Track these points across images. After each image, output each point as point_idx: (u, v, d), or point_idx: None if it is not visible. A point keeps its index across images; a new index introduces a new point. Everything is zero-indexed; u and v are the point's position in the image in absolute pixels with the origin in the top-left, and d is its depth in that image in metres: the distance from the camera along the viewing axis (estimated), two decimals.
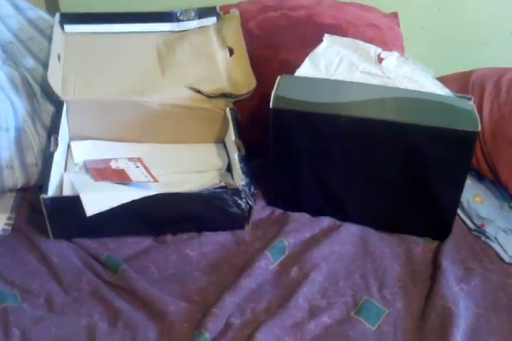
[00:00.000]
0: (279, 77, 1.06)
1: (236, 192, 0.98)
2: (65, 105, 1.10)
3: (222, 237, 1.00)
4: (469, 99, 1.05)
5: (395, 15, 1.41)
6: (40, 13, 1.26)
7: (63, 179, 1.02)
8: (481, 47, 1.48)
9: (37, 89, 1.12)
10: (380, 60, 1.13)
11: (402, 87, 1.07)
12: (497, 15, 1.43)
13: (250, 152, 1.07)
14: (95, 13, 1.28)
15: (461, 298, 0.90)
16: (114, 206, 0.92)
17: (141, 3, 1.36)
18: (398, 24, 1.40)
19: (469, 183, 1.12)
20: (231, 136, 1.11)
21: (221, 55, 1.24)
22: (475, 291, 0.92)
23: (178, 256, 0.96)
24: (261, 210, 1.06)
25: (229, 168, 1.13)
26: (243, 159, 1.05)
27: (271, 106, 1.00)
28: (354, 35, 1.24)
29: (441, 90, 1.09)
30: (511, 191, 1.07)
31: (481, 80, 1.23)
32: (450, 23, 1.46)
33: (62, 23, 1.24)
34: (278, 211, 1.07)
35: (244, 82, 1.18)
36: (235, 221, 1.02)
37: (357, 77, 1.10)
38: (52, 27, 1.21)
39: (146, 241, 0.99)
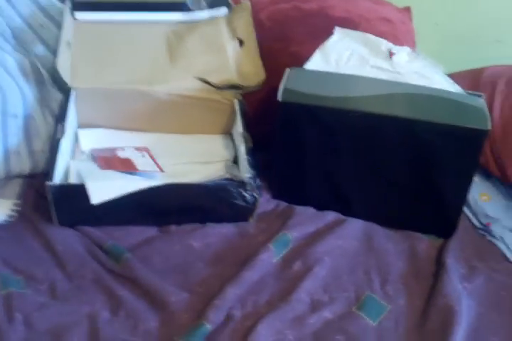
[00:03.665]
0: (288, 70, 1.05)
1: (241, 184, 0.98)
2: (73, 93, 1.10)
3: (226, 229, 1.00)
4: (480, 96, 1.04)
5: (407, 10, 1.39)
6: (52, 0, 1.26)
7: (70, 166, 1.03)
8: (495, 45, 1.46)
9: (46, 76, 1.12)
10: (391, 54, 1.12)
11: (412, 82, 1.06)
12: None
13: (257, 144, 1.07)
14: (106, 0, 1.27)
15: (463, 296, 0.89)
16: (120, 195, 0.92)
17: None
18: (411, 19, 1.38)
19: (477, 181, 1.11)
20: (238, 127, 1.10)
21: (231, 46, 1.24)
22: (478, 290, 0.92)
23: (182, 246, 0.96)
24: (266, 203, 1.06)
25: (235, 160, 1.13)
26: (250, 151, 1.04)
27: (279, 99, 0.99)
28: (366, 29, 1.23)
29: (452, 87, 1.08)
30: None
31: (493, 78, 1.21)
32: (464, 19, 1.44)
33: (72, 10, 1.24)
34: (283, 204, 1.07)
35: (254, 74, 1.18)
36: (240, 213, 1.01)
37: (367, 72, 1.09)
38: (62, 14, 1.20)
39: (151, 231, 0.99)
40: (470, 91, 1.07)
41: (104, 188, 0.93)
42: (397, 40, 1.24)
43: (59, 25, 1.19)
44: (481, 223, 1.05)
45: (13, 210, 0.99)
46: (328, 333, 0.84)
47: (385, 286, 0.92)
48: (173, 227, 1.00)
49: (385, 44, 1.14)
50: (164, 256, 0.94)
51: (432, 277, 0.94)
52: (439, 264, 0.96)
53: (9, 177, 1.04)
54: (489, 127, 0.93)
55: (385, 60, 1.11)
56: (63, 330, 0.81)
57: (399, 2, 1.38)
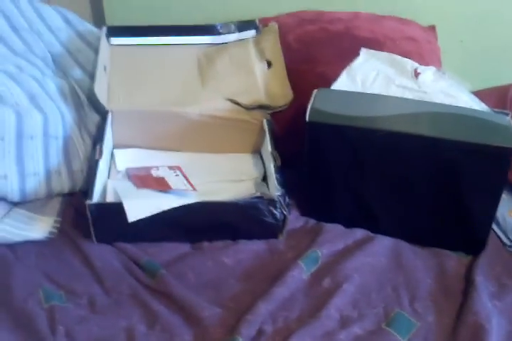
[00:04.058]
0: (315, 91, 1.08)
1: (271, 202, 1.01)
2: (109, 115, 1.15)
3: (257, 246, 1.03)
4: (507, 114, 1.05)
5: (432, 28, 1.41)
6: (88, 26, 1.33)
7: (107, 185, 1.07)
8: None
9: (84, 99, 1.18)
10: (416, 74, 1.14)
11: (438, 101, 1.08)
12: None
13: (285, 162, 1.09)
14: (140, 26, 1.33)
15: (494, 314, 0.89)
16: (155, 213, 0.96)
17: (184, 15, 1.41)
18: (436, 37, 1.40)
19: (505, 198, 1.11)
20: (267, 146, 1.14)
21: (259, 68, 1.28)
22: (509, 308, 0.92)
23: (214, 262, 0.99)
24: (295, 220, 1.09)
25: (264, 178, 1.16)
26: (279, 170, 1.07)
27: (307, 119, 1.02)
28: (391, 49, 1.25)
29: (478, 105, 1.09)
30: None
31: None
32: (489, 35, 1.45)
33: (108, 35, 1.30)
34: (312, 221, 1.09)
35: (282, 95, 1.21)
36: (270, 230, 1.04)
37: (393, 91, 1.11)
38: (99, 39, 1.26)
39: (184, 248, 1.03)
40: (496, 109, 1.08)
41: (140, 206, 0.97)
42: (422, 59, 1.26)
43: (96, 50, 1.26)
44: (510, 240, 1.06)
45: (54, 227, 1.04)
46: None
47: (413, 303, 0.93)
48: (205, 244, 1.03)
49: (410, 64, 1.16)
50: (197, 272, 0.97)
51: (461, 294, 0.94)
52: (468, 282, 0.96)
53: (50, 195, 1.09)
54: None
55: (411, 80, 1.13)
56: None
57: (424, 21, 1.41)
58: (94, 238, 1.01)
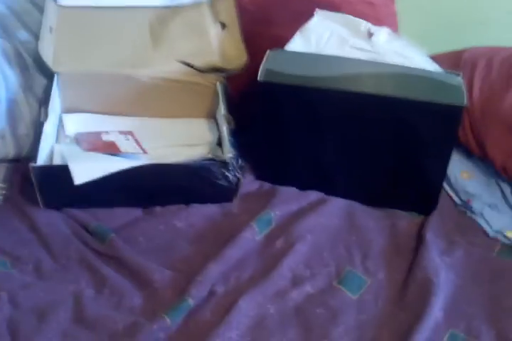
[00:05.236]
0: (268, 51, 1.06)
1: (224, 164, 0.99)
2: (56, 77, 1.10)
3: (210, 209, 1.01)
4: (458, 74, 1.05)
5: None
6: None
7: (54, 150, 1.04)
8: (477, 27, 1.47)
9: (30, 61, 1.13)
10: (370, 34, 1.13)
11: (391, 62, 1.07)
12: None
13: (242, 127, 1.08)
14: None
15: (442, 269, 0.91)
16: (103, 175, 0.93)
17: None
18: (393, 1, 1.39)
19: (457, 159, 1.12)
20: (221, 110, 1.11)
21: (213, 30, 1.24)
22: (457, 263, 0.94)
23: (166, 226, 0.97)
24: (249, 184, 1.07)
25: (220, 143, 1.14)
26: (232, 132, 1.05)
27: (259, 79, 1.00)
28: (348, 12, 1.23)
29: (431, 66, 1.09)
30: (498, 167, 1.08)
31: (473, 58, 1.22)
32: (447, 1, 1.45)
33: None
34: (266, 185, 1.09)
35: (236, 57, 1.18)
36: (223, 193, 1.03)
37: (346, 52, 1.10)
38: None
39: (135, 212, 1.01)
40: (449, 70, 1.08)
41: (87, 169, 0.94)
42: (379, 23, 1.24)
43: (42, 11, 1.20)
44: (461, 200, 1.07)
45: None
46: (309, 307, 0.86)
47: (365, 261, 0.94)
48: (157, 208, 1.01)
49: (364, 24, 1.14)
50: (148, 236, 0.96)
51: (412, 252, 0.96)
52: (419, 240, 0.97)
53: None
54: (465, 103, 0.95)
55: (365, 40, 1.12)
56: (48, 308, 0.82)
57: None
58: (41, 203, 0.97)
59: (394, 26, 1.33)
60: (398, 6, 1.38)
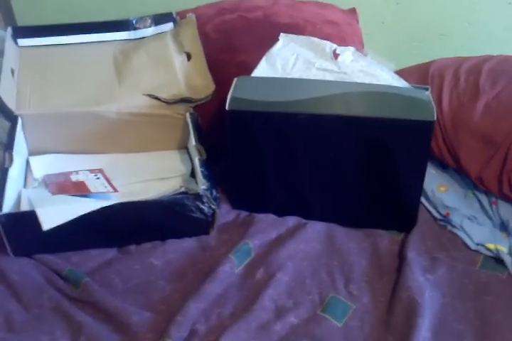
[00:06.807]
0: (235, 79, 1.05)
1: (197, 196, 0.97)
2: (19, 120, 1.08)
3: (187, 244, 0.99)
4: (426, 89, 1.05)
5: (353, 11, 1.40)
6: None
7: (21, 195, 1.01)
8: (441, 39, 1.48)
9: None
10: (335, 55, 1.12)
11: (358, 81, 1.07)
12: (455, 6, 1.43)
13: (214, 156, 1.06)
14: (49, 25, 1.27)
15: (426, 288, 0.89)
16: (71, 219, 0.90)
17: (97, 12, 1.36)
18: (357, 20, 1.40)
19: (433, 173, 1.11)
20: (192, 140, 1.10)
21: (179, 61, 1.24)
22: (441, 281, 0.92)
23: (142, 265, 0.94)
24: (226, 214, 1.05)
25: (193, 174, 1.12)
26: (204, 163, 1.04)
27: (227, 108, 0.99)
28: (312, 33, 1.24)
29: (398, 82, 1.09)
30: (473, 177, 1.07)
31: (440, 70, 1.23)
32: (409, 16, 1.46)
33: (15, 37, 1.23)
34: (243, 214, 1.06)
35: (203, 86, 1.18)
36: (200, 226, 1.00)
37: (313, 74, 1.09)
38: (4, 41, 1.19)
39: (110, 253, 0.98)
40: (416, 85, 1.08)
41: (55, 213, 0.91)
42: (344, 42, 1.25)
43: (1, 53, 1.18)
44: (440, 214, 1.05)
45: None
46: (294, 338, 0.83)
47: (348, 286, 0.92)
48: (132, 247, 0.98)
49: (329, 45, 1.14)
50: (125, 277, 0.93)
51: (395, 272, 0.94)
52: (402, 259, 0.95)
53: None
54: (434, 118, 0.94)
55: (331, 62, 1.12)
56: None
57: (344, 4, 1.40)
58: (9, 251, 0.94)
59: (359, 44, 1.34)
60: (361, 24, 1.39)
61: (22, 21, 1.36)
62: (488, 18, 1.43)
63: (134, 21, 1.30)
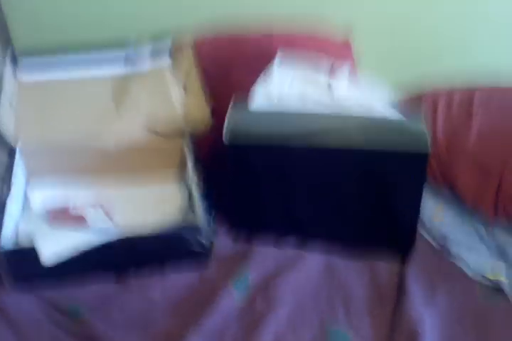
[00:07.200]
0: (229, 109, 1.06)
1: (196, 229, 0.97)
2: (18, 152, 1.09)
3: (186, 277, 0.99)
4: (420, 119, 1.06)
5: (347, 42, 1.43)
6: None
7: (19, 229, 1.01)
8: (432, 56, 1.50)
9: None
10: (330, 87, 1.14)
11: (353, 113, 1.08)
12: (450, 33, 1.46)
13: (214, 180, 1.07)
14: (48, 60, 1.28)
15: (426, 319, 0.89)
16: (72, 254, 0.90)
17: (94, 29, 1.36)
18: (351, 51, 1.42)
19: (429, 201, 1.12)
20: (190, 174, 1.11)
21: (176, 94, 1.25)
22: (441, 310, 0.92)
23: (142, 299, 0.94)
24: (225, 246, 1.05)
25: (190, 203, 1.12)
26: (202, 197, 1.04)
27: (225, 141, 1.00)
28: (306, 52, 1.26)
29: (392, 113, 1.10)
30: (468, 200, 1.07)
31: (434, 97, 1.26)
32: (402, 35, 1.48)
33: (14, 70, 1.24)
34: (243, 246, 1.06)
35: (201, 119, 1.19)
36: (198, 259, 1.00)
37: (309, 107, 1.11)
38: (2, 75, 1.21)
39: (108, 287, 0.97)
40: (410, 114, 1.09)
41: (56, 248, 0.91)
42: (337, 61, 1.27)
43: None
44: (438, 243, 1.06)
45: None
46: None
47: (349, 318, 0.91)
48: (132, 281, 0.98)
49: (323, 77, 1.16)
50: (123, 310, 0.92)
51: (395, 303, 0.93)
52: (401, 289, 0.95)
53: None
54: (429, 150, 0.95)
55: (326, 94, 1.13)
56: None
57: (339, 35, 1.42)
58: (8, 286, 0.94)
59: (352, 63, 1.36)
60: (355, 43, 1.41)
61: (18, 39, 1.35)
62: (481, 48, 1.46)
63: (132, 54, 1.32)
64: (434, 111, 1.22)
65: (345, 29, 1.42)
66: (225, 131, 1.01)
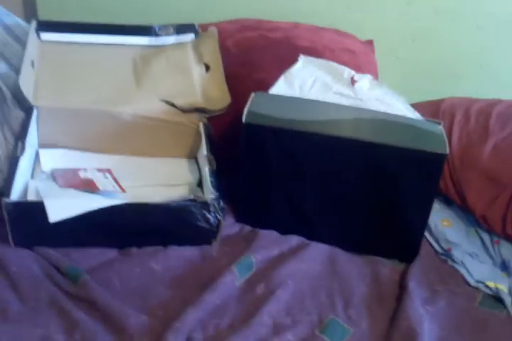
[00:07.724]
0: (253, 94, 1.07)
1: (205, 205, 0.97)
2: (35, 111, 1.08)
3: (189, 252, 0.98)
4: (439, 123, 1.07)
5: (370, 42, 1.44)
6: (17, 20, 1.25)
7: (29, 185, 1.00)
8: (452, 79, 1.52)
9: (8, 94, 1.10)
10: (353, 82, 1.15)
11: (373, 108, 1.09)
12: (469, 48, 1.47)
13: (222, 169, 1.06)
14: (73, 22, 1.27)
15: (425, 319, 0.89)
16: (79, 213, 0.89)
17: (121, 15, 1.37)
18: (373, 51, 1.43)
19: (438, 208, 1.13)
20: (203, 150, 1.10)
21: (197, 71, 1.25)
22: (440, 314, 0.92)
23: (143, 269, 0.93)
24: (230, 227, 1.05)
25: (200, 184, 1.12)
26: (213, 173, 1.04)
27: (243, 120, 1.00)
28: (329, 58, 1.26)
29: (412, 114, 1.11)
30: (477, 215, 1.08)
31: (451, 108, 1.26)
32: (423, 53, 1.50)
33: (38, 30, 1.23)
34: (247, 228, 1.06)
35: (219, 98, 1.19)
36: (203, 236, 1.00)
37: (330, 98, 1.11)
38: (28, 33, 1.20)
39: (111, 253, 0.97)
40: (429, 119, 1.10)
41: (63, 206, 0.90)
42: (359, 70, 1.28)
43: (23, 45, 1.18)
44: (442, 248, 1.07)
45: None
46: None
47: (347, 310, 0.91)
48: (134, 250, 0.97)
49: (347, 71, 1.17)
50: (124, 278, 0.92)
51: (395, 301, 0.94)
52: (402, 288, 0.96)
53: None
54: (447, 151, 0.96)
55: (348, 87, 1.14)
56: None
57: (362, 35, 1.43)
58: (11, 241, 0.93)
59: (374, 74, 1.36)
60: (377, 56, 1.42)
61: (44, 15, 1.36)
62: (500, 63, 1.47)
63: (157, 28, 1.31)
64: (451, 119, 1.22)
65: (366, 42, 1.42)
66: (245, 110, 1.01)
